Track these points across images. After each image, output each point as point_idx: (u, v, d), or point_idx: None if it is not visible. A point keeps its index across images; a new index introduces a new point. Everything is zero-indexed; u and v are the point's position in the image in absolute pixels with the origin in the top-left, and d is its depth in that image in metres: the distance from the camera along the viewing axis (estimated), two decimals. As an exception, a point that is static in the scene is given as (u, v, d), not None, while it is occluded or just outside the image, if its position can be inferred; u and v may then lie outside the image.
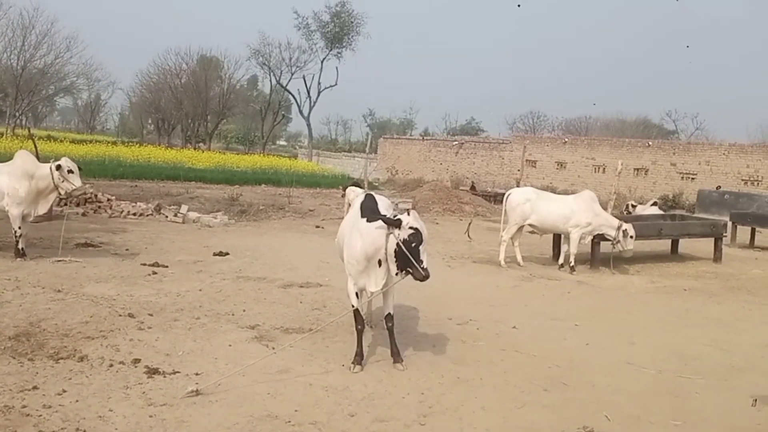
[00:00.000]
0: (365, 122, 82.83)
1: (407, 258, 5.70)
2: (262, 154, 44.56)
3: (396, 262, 5.84)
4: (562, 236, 13.12)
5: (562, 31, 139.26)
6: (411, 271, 5.76)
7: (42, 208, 10.32)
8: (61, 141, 36.40)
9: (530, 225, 13.06)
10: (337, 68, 52.12)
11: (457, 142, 39.06)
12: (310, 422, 4.98)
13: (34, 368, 5.60)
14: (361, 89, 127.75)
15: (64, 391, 5.17)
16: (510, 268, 12.57)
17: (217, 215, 17.93)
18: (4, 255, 10.14)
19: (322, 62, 51.85)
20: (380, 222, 5.96)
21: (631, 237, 12.37)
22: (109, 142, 43.05)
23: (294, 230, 16.56)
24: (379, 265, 6.05)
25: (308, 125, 53.10)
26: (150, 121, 66.03)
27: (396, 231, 5.79)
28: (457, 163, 38.31)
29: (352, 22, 51.06)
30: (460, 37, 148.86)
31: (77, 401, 5.02)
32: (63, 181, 9.87)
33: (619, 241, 12.37)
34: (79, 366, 5.75)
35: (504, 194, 14.17)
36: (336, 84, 52.10)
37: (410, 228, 5.75)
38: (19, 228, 10.01)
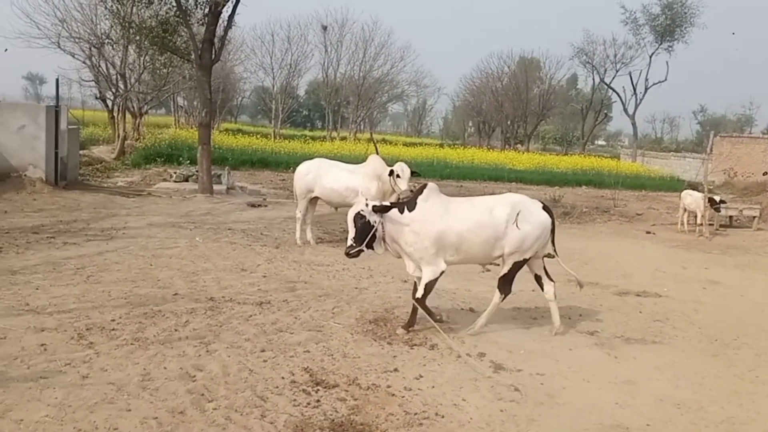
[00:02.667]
0: (695, 119, 75.69)
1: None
2: (582, 155, 43.30)
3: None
4: None
5: None
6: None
7: (385, 208, 11.27)
8: (395, 144, 39.83)
9: None
10: (667, 62, 48.54)
11: (813, 141, 33.37)
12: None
13: (392, 351, 6.07)
14: (691, 84, 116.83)
15: (421, 376, 5.49)
16: None
17: (541, 216, 17.86)
18: (357, 246, 11.32)
19: (650, 57, 48.57)
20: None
21: None
22: (435, 145, 45.90)
23: (622, 235, 15.69)
24: None
25: (633, 124, 50.12)
26: (471, 124, 68.84)
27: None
28: (812, 164, 32.71)
29: (685, 13, 47.01)
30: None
31: (433, 387, 5.30)
32: (394, 185, 10.66)
33: None
34: (431, 354, 6.08)
35: None
36: (665, 79, 48.64)
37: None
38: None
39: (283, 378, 5.19)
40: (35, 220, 11.31)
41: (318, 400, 4.84)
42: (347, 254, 6.29)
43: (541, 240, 6.69)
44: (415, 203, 6.45)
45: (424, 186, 6.61)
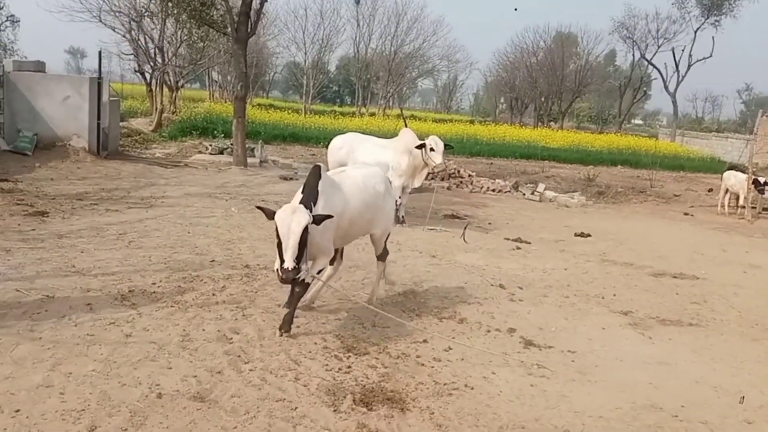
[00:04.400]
0: (740, 98, 73.65)
1: None
2: (618, 134, 42.55)
3: None
4: None
5: None
6: None
7: (417, 182, 11.29)
8: (424, 120, 39.63)
9: None
10: (713, 38, 47.00)
11: None
12: (700, 421, 4.62)
13: (421, 323, 6.15)
14: (737, 61, 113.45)
15: (450, 348, 5.57)
16: None
17: (574, 195, 17.75)
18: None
19: (695, 32, 46.95)
20: None
21: None
22: (465, 121, 45.53)
23: (659, 216, 15.53)
24: None
25: (673, 102, 48.67)
26: (503, 100, 67.94)
27: None
28: None
29: (736, -15, 45.37)
30: None
31: (462, 359, 5.37)
32: (428, 158, 10.63)
33: None
34: (460, 327, 6.16)
35: None
36: (711, 56, 47.16)
37: None
38: (399, 198, 11.10)
39: (315, 344, 5.31)
40: (79, 187, 11.60)
41: (349, 366, 4.95)
42: (286, 280, 4.96)
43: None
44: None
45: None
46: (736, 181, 16.42)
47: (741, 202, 16.21)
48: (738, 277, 9.45)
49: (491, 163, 25.09)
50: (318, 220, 5.10)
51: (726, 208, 16.74)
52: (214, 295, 6.27)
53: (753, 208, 16.17)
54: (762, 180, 16.30)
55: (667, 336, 6.40)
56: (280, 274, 4.92)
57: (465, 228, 9.53)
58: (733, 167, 18.59)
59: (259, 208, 5.31)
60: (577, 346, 5.90)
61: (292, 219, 4.95)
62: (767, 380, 5.49)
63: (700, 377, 5.45)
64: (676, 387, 5.18)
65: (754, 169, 17.40)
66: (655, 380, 5.27)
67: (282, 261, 4.92)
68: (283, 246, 4.91)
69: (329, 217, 5.19)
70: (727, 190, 16.80)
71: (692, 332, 6.52)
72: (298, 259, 4.93)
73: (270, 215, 5.08)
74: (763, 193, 16.14)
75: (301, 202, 5.17)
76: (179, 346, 4.94)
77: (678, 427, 4.56)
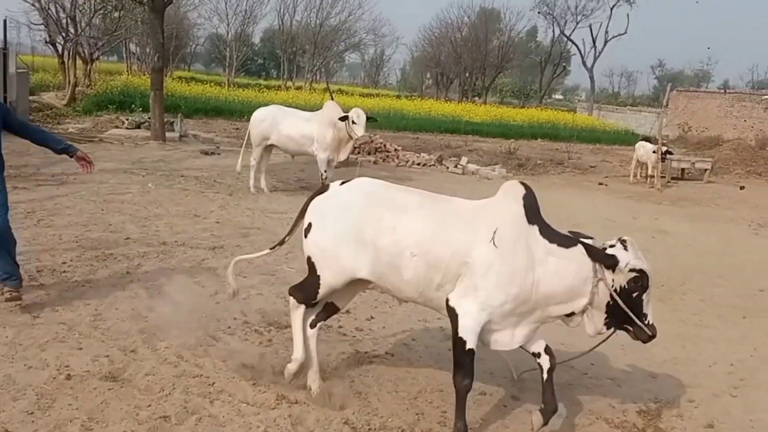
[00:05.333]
0: (653, 74, 76.62)
1: (625, 314, 3.77)
2: (538, 108, 43.59)
3: (606, 317, 3.84)
4: None
5: None
6: (630, 328, 3.90)
7: (342, 155, 11.21)
8: (351, 95, 39.44)
9: None
10: (627, 15, 48.76)
11: (767, 97, 34.06)
12: (607, 377, 4.89)
13: (345, 295, 6.16)
14: (651, 38, 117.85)
15: (372, 318, 5.64)
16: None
17: (495, 168, 18.09)
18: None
19: (611, 9, 48.66)
20: (581, 250, 3.74)
21: None
22: (392, 96, 45.59)
23: (575, 186, 16.05)
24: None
25: (591, 77, 50.30)
26: (429, 76, 68.38)
27: (607, 274, 3.71)
28: (765, 120, 33.40)
29: (648, -36, 47.15)
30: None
31: (384, 327, 5.45)
32: (351, 131, 10.58)
33: None
34: (382, 297, 6.16)
35: None
36: (625, 32, 48.88)
37: (632, 270, 3.72)
38: (325, 171, 11.02)
39: (235, 319, 5.25)
40: (-19, 164, 10.99)
41: (270, 340, 4.93)
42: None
43: None
44: None
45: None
46: (644, 151, 17.16)
47: (650, 171, 16.95)
48: (647, 242, 9.87)
49: (417, 138, 25.24)
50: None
51: (638, 177, 17.47)
52: (128, 273, 6.10)
53: (662, 177, 16.93)
54: (665, 150, 17.10)
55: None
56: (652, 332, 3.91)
57: None
58: (645, 139, 19.41)
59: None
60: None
61: None
62: (672, 338, 5.78)
63: (611, 337, 5.66)
64: (588, 347, 5.38)
65: (664, 141, 18.22)
66: (567, 340, 5.45)
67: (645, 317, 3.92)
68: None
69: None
70: (638, 161, 17.54)
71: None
72: None
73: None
74: (664, 161, 16.89)
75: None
76: (90, 326, 4.78)
77: (587, 383, 4.79)
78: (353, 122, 10.47)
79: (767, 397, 4.75)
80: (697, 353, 5.57)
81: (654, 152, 16.61)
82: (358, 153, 16.93)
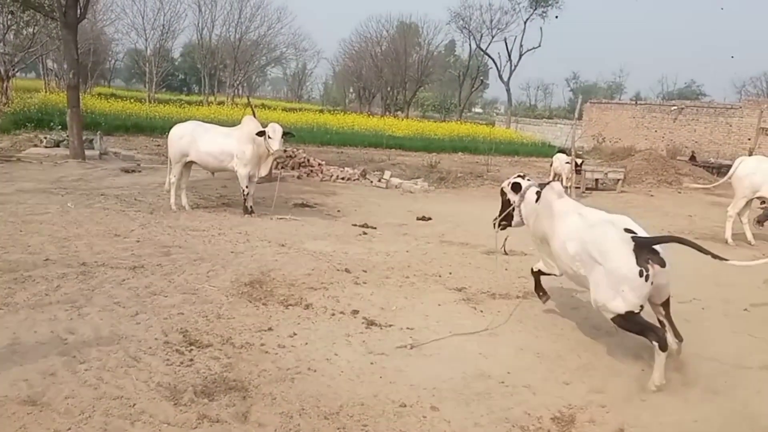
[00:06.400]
0: (568, 86, 79.66)
1: None
2: (459, 122, 44.61)
3: None
4: None
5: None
6: None
7: (263, 170, 11.27)
8: (274, 109, 39.39)
9: (760, 197, 11.85)
10: (541, 29, 50.50)
11: (675, 107, 35.85)
12: (523, 385, 5.06)
13: (267, 312, 6.23)
14: (564, 52, 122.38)
15: (295, 334, 5.71)
16: (738, 247, 11.54)
17: (418, 182, 18.48)
18: (233, 211, 11.30)
19: (525, 23, 50.31)
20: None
21: None
22: (316, 111, 45.70)
23: (494, 198, 16.20)
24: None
25: (507, 90, 51.81)
26: (352, 90, 68.82)
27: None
28: (674, 130, 35.20)
29: (557, -21, 48.95)
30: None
31: (306, 344, 5.53)
32: (267, 145, 10.69)
33: None
34: (306, 313, 6.30)
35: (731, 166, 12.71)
36: (539, 45, 50.56)
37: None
38: (247, 187, 11.05)
39: (156, 339, 5.25)
40: None
41: (191, 359, 4.95)
42: None
43: None
44: None
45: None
46: (558, 163, 17.93)
47: (565, 182, 17.70)
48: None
49: (341, 152, 25.43)
50: None
51: (554, 189, 18.22)
52: (47, 295, 5.98)
53: (577, 188, 17.70)
54: (579, 162, 17.90)
55: (496, 308, 6.91)
56: None
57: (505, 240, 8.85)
58: (561, 151, 20.23)
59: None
60: (415, 323, 6.24)
61: None
62: (583, 345, 6.08)
63: (525, 345, 5.94)
64: (503, 355, 5.64)
65: (579, 152, 19.05)
66: (484, 350, 5.71)
67: None
68: None
69: None
70: (554, 172, 18.28)
71: (519, 304, 7.09)
72: None
73: None
74: (579, 173, 17.70)
75: None
76: (9, 350, 4.70)
77: (504, 392, 4.98)
78: (269, 137, 10.57)
79: (675, 401, 5.00)
80: (608, 360, 5.84)
81: (567, 163, 17.35)
82: (282, 168, 16.97)
